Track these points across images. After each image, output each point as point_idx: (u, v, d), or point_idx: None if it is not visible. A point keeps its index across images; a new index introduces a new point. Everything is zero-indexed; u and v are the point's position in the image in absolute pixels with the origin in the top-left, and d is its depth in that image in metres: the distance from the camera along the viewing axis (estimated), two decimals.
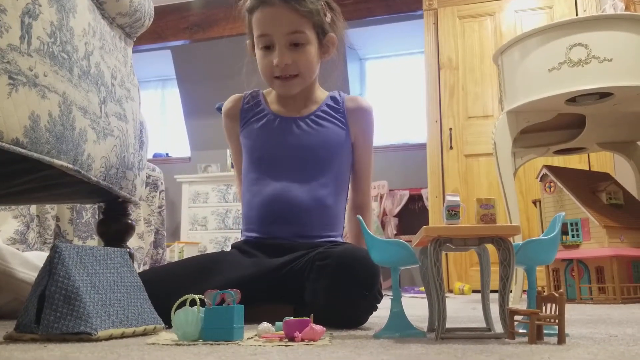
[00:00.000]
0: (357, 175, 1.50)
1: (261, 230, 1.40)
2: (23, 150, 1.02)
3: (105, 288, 0.97)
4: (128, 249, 1.57)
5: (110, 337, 0.93)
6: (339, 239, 1.43)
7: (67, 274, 0.92)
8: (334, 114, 1.45)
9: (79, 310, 0.90)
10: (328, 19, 1.42)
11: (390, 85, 5.72)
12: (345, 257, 1.18)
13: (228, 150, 4.55)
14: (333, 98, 1.49)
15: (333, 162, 1.42)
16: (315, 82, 1.49)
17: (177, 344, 0.86)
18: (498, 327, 0.97)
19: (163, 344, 0.86)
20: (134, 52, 1.59)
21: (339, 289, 1.13)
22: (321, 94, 1.50)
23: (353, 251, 1.20)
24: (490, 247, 0.96)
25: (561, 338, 0.84)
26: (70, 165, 1.17)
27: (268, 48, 1.38)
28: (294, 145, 1.41)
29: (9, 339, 0.92)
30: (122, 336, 0.95)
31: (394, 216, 4.80)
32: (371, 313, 1.22)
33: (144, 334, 1.01)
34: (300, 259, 1.27)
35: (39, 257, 1.62)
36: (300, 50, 1.37)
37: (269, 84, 1.44)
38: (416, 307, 1.92)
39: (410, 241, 1.06)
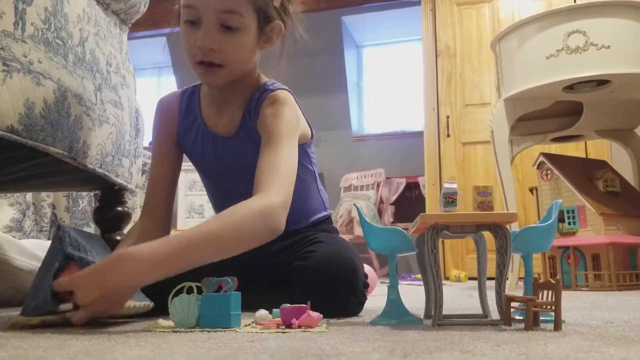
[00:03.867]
0: (256, 167, 1.12)
1: None
2: (18, 138, 1.01)
3: None
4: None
5: (125, 313, 0.96)
6: (322, 215, 1.43)
7: (80, 251, 0.95)
8: (252, 122, 1.25)
9: None
10: (277, 3, 1.19)
11: (387, 73, 5.70)
12: (320, 269, 1.14)
13: None
14: (254, 98, 1.26)
15: None
16: (253, 72, 1.28)
17: (174, 331, 0.86)
18: (495, 314, 0.97)
19: (160, 331, 0.87)
20: (129, 39, 1.57)
21: (323, 302, 1.03)
22: (254, 85, 1.28)
23: (325, 261, 1.15)
24: (487, 235, 0.96)
25: (557, 324, 0.85)
26: (65, 153, 1.17)
27: (194, 23, 1.15)
28: (233, 165, 1.28)
29: (16, 326, 0.91)
30: (135, 309, 0.98)
31: (391, 204, 4.80)
32: (362, 305, 1.21)
33: (142, 310, 1.03)
34: (284, 252, 1.27)
35: (36, 245, 1.62)
36: (231, 35, 1.14)
37: (191, 65, 1.20)
38: (413, 294, 1.92)
39: (407, 229, 1.06)
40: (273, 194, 1.04)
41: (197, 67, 1.18)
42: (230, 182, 1.33)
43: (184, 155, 1.38)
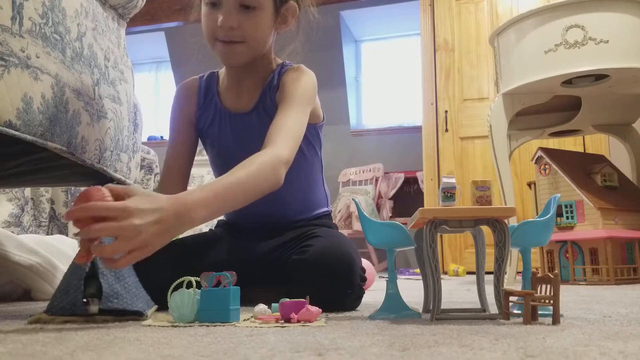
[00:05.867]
0: (271, 125, 1.20)
1: (236, 220, 1.42)
2: (16, 133, 1.01)
3: (117, 273, 0.99)
4: None
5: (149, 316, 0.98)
6: (324, 210, 1.44)
7: None
8: (271, 96, 1.32)
9: (130, 290, 0.94)
10: None
11: (386, 68, 5.69)
12: (316, 262, 1.14)
13: None
14: (274, 75, 1.34)
15: None
16: (269, 53, 1.36)
17: (173, 326, 0.87)
18: (493, 308, 0.98)
19: (159, 326, 0.87)
20: (127, 33, 1.57)
21: (319, 295, 1.05)
22: (270, 65, 1.36)
23: (323, 255, 1.16)
24: (486, 229, 0.96)
25: (556, 318, 0.85)
26: (63, 148, 1.17)
27: (214, 5, 1.23)
28: (249, 144, 1.27)
29: (39, 322, 0.91)
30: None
31: (389, 199, 4.80)
32: (360, 299, 1.21)
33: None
34: (283, 247, 1.28)
35: (34, 240, 1.62)
36: (250, 13, 1.22)
37: (211, 46, 1.28)
38: (411, 289, 1.92)
39: (406, 224, 1.07)
40: (280, 147, 1.12)
41: (217, 46, 1.25)
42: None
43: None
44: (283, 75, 1.31)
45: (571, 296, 1.45)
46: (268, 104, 1.32)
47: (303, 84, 1.27)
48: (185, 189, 1.37)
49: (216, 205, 0.95)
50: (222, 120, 1.37)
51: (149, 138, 6.07)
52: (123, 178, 1.49)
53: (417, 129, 4.12)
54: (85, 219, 0.81)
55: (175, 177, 1.36)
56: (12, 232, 2.15)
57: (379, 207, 4.73)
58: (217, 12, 1.22)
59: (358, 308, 1.20)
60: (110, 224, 0.80)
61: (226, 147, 1.37)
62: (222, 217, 1.52)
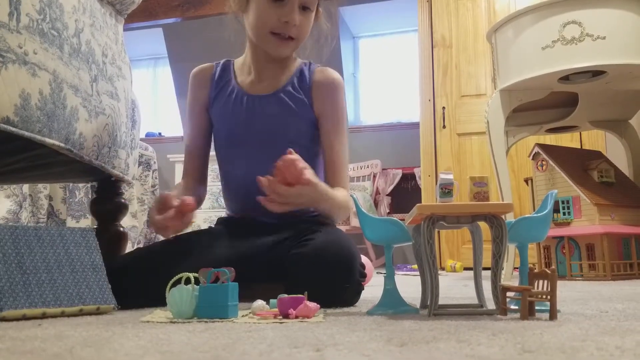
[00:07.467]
0: (328, 159, 1.40)
1: (240, 212, 1.42)
2: (14, 129, 1.01)
3: (37, 268, 0.95)
4: (122, 228, 1.57)
5: (22, 317, 0.90)
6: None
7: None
8: (300, 89, 1.41)
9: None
10: None
11: (383, 64, 5.69)
12: (316, 255, 1.15)
13: None
14: (302, 71, 1.43)
15: (301, 140, 1.38)
16: None
17: (171, 322, 0.87)
18: (490, 304, 0.98)
19: (158, 322, 0.87)
20: (125, 30, 1.57)
21: (318, 288, 1.04)
22: (295, 63, 1.45)
23: (323, 249, 1.17)
24: (483, 225, 0.97)
25: (553, 314, 0.85)
26: (62, 144, 1.17)
27: (277, 0, 1.32)
28: (262, 127, 1.38)
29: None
30: (44, 316, 0.93)
31: (387, 195, 4.81)
32: (359, 295, 1.21)
33: (81, 313, 0.98)
34: (282, 244, 1.28)
35: None
36: (306, 15, 1.36)
37: (261, 38, 1.36)
38: (409, 285, 1.93)
39: (404, 220, 1.07)
40: (346, 191, 1.36)
41: (269, 37, 1.35)
42: (253, 148, 1.38)
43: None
44: (314, 75, 1.41)
45: (568, 292, 1.45)
46: (293, 92, 1.39)
47: (342, 103, 1.42)
48: (206, 168, 1.49)
49: (329, 207, 1.28)
50: (236, 100, 1.41)
51: (147, 134, 6.06)
52: (121, 174, 1.49)
53: (415, 126, 4.11)
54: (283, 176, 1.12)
55: (195, 161, 1.47)
56: None
57: (376, 203, 4.73)
58: (280, 8, 1.32)
59: (356, 304, 1.20)
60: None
61: (236, 126, 1.40)
62: (222, 215, 1.53)
